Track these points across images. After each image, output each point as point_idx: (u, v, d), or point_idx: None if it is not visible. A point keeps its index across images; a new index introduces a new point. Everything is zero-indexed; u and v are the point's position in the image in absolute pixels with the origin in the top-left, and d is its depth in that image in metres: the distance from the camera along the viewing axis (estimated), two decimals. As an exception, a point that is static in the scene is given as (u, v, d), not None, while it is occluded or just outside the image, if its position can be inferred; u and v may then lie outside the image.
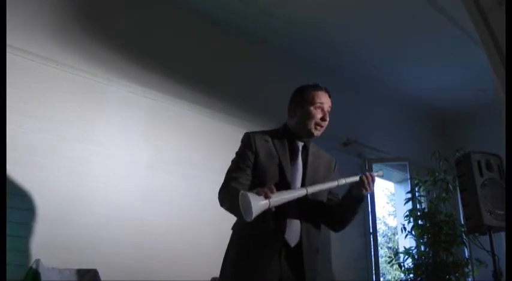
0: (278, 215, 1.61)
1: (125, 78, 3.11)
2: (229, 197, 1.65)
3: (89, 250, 2.59)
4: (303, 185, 1.72)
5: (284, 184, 1.66)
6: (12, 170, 2.46)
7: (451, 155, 3.75)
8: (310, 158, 1.81)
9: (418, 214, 3.91)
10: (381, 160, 4.57)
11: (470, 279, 3.78)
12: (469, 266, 3.72)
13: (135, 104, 3.11)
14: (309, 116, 1.79)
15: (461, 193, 2.95)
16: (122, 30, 3.22)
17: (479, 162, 2.85)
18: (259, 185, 1.59)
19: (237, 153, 1.81)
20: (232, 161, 1.78)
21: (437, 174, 3.91)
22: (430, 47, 4.03)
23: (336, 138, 4.32)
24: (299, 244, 1.67)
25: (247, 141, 1.79)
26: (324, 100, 1.83)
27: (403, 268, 3.85)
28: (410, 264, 3.83)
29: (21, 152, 2.54)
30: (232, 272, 1.68)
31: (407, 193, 4.16)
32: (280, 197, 1.49)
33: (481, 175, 2.81)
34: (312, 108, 1.80)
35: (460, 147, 3.74)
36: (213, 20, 3.72)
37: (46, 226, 2.50)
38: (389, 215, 11.60)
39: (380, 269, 4.21)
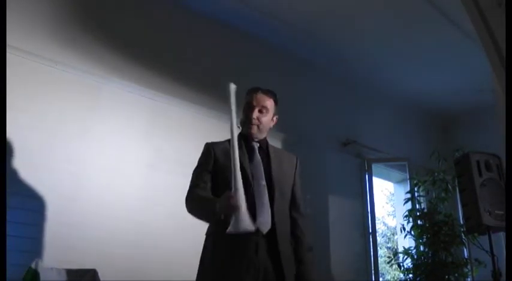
0: (249, 206, 1.73)
1: (125, 77, 3.11)
2: (195, 206, 1.85)
3: (88, 250, 2.59)
4: (270, 180, 1.87)
5: (244, 177, 1.77)
6: (12, 170, 2.45)
7: (450, 155, 3.75)
8: (271, 155, 1.96)
9: (418, 214, 3.92)
10: (380, 160, 4.57)
11: (469, 279, 3.79)
12: (468, 266, 3.72)
13: (135, 104, 3.11)
14: (243, 117, 1.99)
15: (460, 193, 2.96)
16: (122, 29, 3.22)
17: (478, 162, 2.85)
18: (221, 183, 1.80)
19: (197, 162, 1.98)
20: (193, 171, 1.96)
21: (436, 174, 3.92)
22: (429, 47, 4.03)
23: (335, 138, 4.33)
24: (271, 230, 1.76)
25: (206, 149, 1.98)
26: (257, 100, 1.97)
27: (402, 268, 3.85)
28: (409, 264, 3.84)
29: (20, 151, 2.53)
30: (211, 269, 1.76)
31: (407, 193, 4.16)
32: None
33: (480, 175, 2.81)
34: (247, 110, 1.98)
35: (459, 147, 3.74)
36: (213, 20, 3.71)
37: (45, 226, 2.50)
38: (388, 215, 11.60)
39: (379, 269, 4.21)
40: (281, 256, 1.73)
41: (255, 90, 2.02)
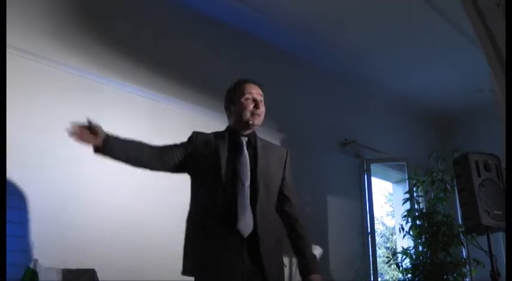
0: (229, 206, 1.70)
1: (124, 77, 3.10)
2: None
3: (86, 250, 2.59)
4: (254, 178, 1.78)
5: (216, 174, 1.73)
6: (11, 170, 2.45)
7: (449, 155, 3.75)
8: (259, 151, 1.87)
9: (416, 214, 3.93)
10: (379, 160, 4.57)
11: (468, 279, 3.79)
12: (467, 267, 3.73)
13: (134, 104, 3.11)
14: (242, 107, 1.87)
15: (459, 193, 2.96)
16: (121, 29, 3.22)
17: (477, 162, 2.85)
18: (195, 175, 1.83)
19: None
20: None
21: (435, 174, 3.93)
22: (428, 47, 4.04)
23: (334, 138, 4.33)
24: (254, 233, 1.70)
25: (190, 136, 1.95)
26: (253, 91, 1.91)
27: (401, 268, 3.86)
28: (408, 264, 3.84)
29: (20, 152, 2.53)
30: (192, 264, 1.71)
31: (406, 193, 4.18)
32: None
33: (479, 175, 2.82)
34: (242, 100, 1.88)
35: (458, 147, 3.75)
36: (213, 20, 3.72)
37: (44, 226, 2.50)
38: (387, 215, 11.61)
39: (378, 269, 4.21)
40: (263, 259, 1.67)
41: (246, 80, 1.96)
